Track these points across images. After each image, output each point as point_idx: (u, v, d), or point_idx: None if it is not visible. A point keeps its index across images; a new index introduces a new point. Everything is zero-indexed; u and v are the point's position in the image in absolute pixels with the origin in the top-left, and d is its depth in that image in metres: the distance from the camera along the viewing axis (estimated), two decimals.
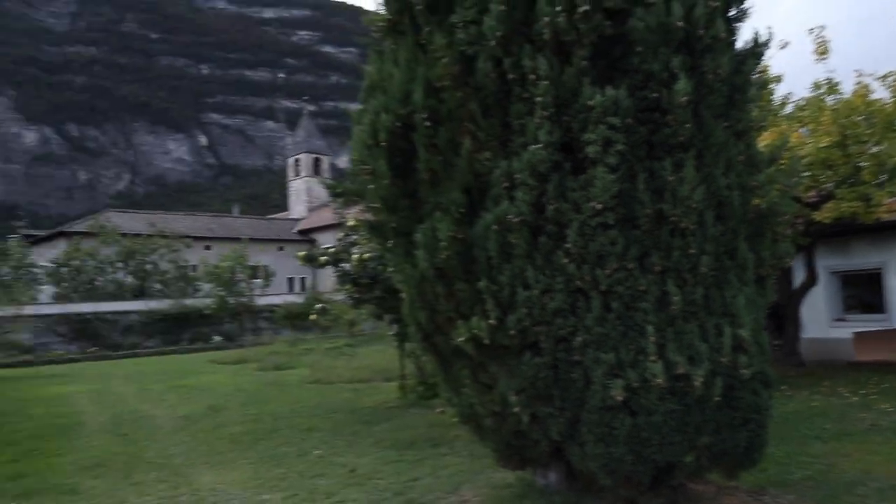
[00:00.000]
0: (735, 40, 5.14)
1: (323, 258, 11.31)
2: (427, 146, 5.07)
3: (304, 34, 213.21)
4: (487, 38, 4.80)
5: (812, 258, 13.84)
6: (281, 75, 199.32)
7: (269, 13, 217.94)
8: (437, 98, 5.08)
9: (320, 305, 15.32)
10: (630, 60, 4.70)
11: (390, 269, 7.19)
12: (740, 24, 5.18)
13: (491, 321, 4.68)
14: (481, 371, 5.13)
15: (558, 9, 4.56)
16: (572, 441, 4.81)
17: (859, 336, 13.66)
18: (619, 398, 4.45)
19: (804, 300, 13.94)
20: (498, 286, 4.71)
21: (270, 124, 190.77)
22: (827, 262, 14.63)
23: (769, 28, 5.65)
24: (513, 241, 4.65)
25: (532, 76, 4.66)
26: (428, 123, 5.03)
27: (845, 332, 14.12)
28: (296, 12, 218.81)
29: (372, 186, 5.41)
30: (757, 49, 5.22)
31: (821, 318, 14.79)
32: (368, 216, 5.84)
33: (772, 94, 12.50)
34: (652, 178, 4.63)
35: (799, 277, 14.04)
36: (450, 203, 4.91)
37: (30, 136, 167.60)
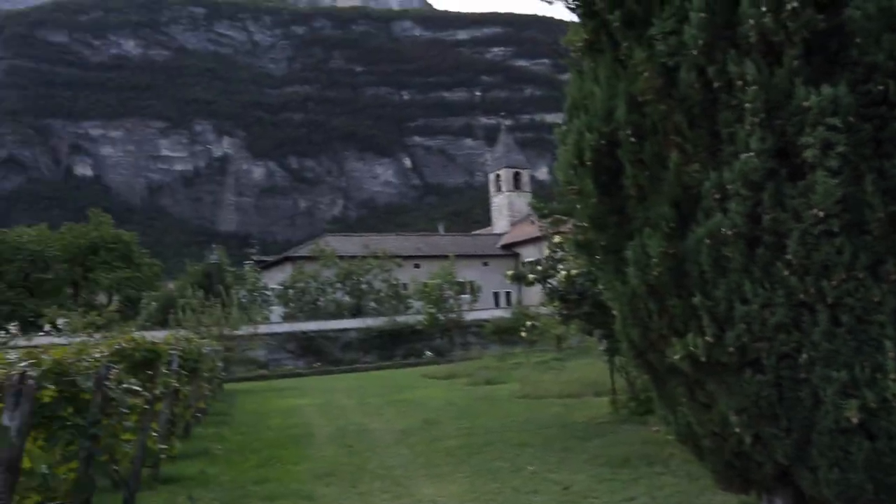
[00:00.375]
0: None
1: (531, 277, 11.45)
2: (633, 162, 5.02)
3: (497, 51, 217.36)
4: (689, 47, 4.68)
5: None
6: (477, 93, 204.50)
7: (462, 34, 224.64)
8: (640, 113, 5.03)
9: (530, 323, 15.46)
10: (849, 53, 4.37)
11: (600, 286, 7.16)
12: None
13: (707, 338, 4.52)
14: (698, 389, 4.96)
15: (764, 9, 4.35)
16: (801, 465, 4.52)
17: None
18: (855, 420, 4.12)
19: None
20: (713, 301, 4.55)
21: (470, 142, 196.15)
22: None
23: None
24: (727, 255, 4.48)
25: (739, 82, 4.47)
26: (632, 139, 4.99)
27: None
28: (487, 30, 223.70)
29: (579, 206, 5.44)
30: None
31: None
32: (576, 234, 5.87)
33: None
34: (882, 179, 4.26)
35: None
36: (659, 218, 4.83)
37: (258, 171, 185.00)
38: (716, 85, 4.63)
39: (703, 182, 4.67)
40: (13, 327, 27.59)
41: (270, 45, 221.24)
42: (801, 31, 4.39)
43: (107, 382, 4.74)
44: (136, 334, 7.44)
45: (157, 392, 6.78)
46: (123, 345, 6.22)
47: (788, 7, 4.33)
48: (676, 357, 4.71)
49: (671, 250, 4.73)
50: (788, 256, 4.31)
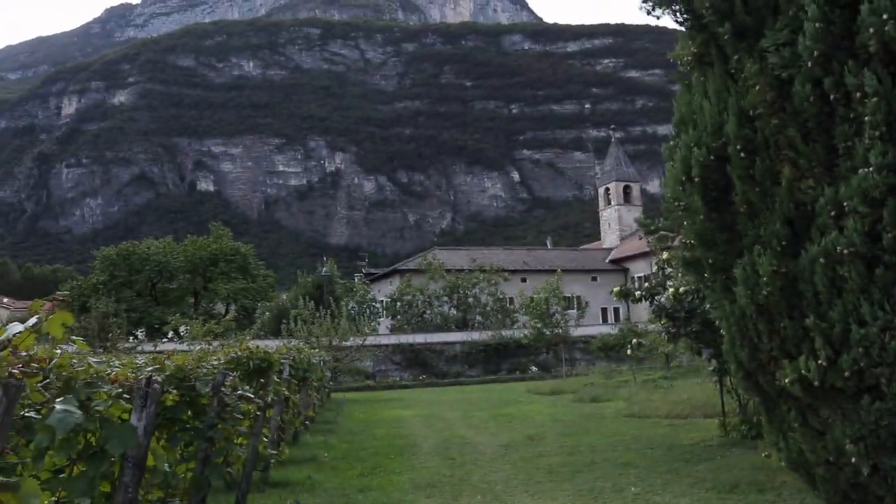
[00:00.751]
0: None
1: (637, 293, 11.23)
2: (743, 178, 4.89)
3: (607, 62, 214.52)
4: (804, 59, 4.53)
5: None
6: (587, 105, 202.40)
7: (572, 46, 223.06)
8: (751, 127, 4.90)
9: (636, 341, 15.13)
10: None
11: (708, 305, 6.97)
12: None
13: (821, 361, 4.33)
14: (811, 414, 4.75)
15: (885, 16, 4.15)
16: None
17: None
18: None
19: None
20: (828, 323, 4.36)
21: (579, 155, 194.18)
22: None
23: None
24: (843, 275, 4.28)
25: (858, 94, 4.29)
26: (743, 154, 4.86)
27: None
28: (598, 42, 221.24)
29: (687, 223, 5.33)
30: None
31: None
32: (683, 252, 5.74)
33: None
34: None
35: None
36: (770, 236, 4.67)
37: (368, 185, 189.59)
38: (832, 97, 4.45)
39: (817, 199, 4.50)
40: (140, 333, 29.32)
41: (382, 62, 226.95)
42: None
43: (223, 389, 5.00)
44: (251, 343, 7.79)
45: (268, 399, 7.08)
46: (239, 353, 6.54)
47: None
48: (787, 380, 4.53)
49: (783, 269, 4.57)
50: None
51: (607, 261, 58.60)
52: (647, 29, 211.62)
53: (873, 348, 4.20)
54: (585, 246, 73.04)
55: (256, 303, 51.52)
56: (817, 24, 4.47)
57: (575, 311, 39.24)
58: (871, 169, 4.19)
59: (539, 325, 33.37)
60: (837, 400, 4.46)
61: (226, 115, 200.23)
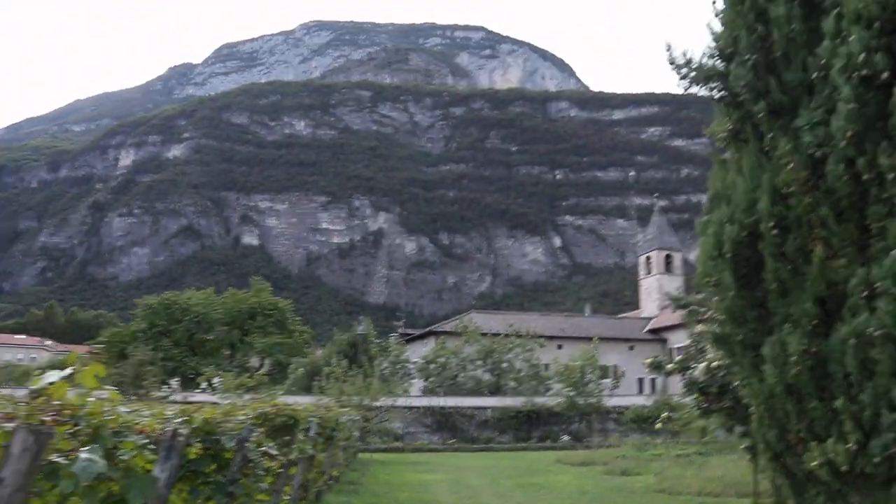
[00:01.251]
0: None
1: (669, 366, 11.08)
2: (775, 255, 4.87)
3: (653, 130, 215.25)
4: (837, 139, 4.55)
5: None
6: (631, 173, 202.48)
7: (618, 114, 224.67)
8: (783, 205, 4.90)
9: (666, 414, 14.84)
10: None
11: (737, 382, 6.86)
12: None
13: (850, 445, 4.23)
14: (840, 500, 4.61)
15: None
16: None
17: None
18: None
19: None
20: (858, 406, 4.27)
21: (622, 222, 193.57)
22: None
23: None
24: (875, 357, 4.21)
25: (891, 175, 4.29)
26: (775, 231, 4.86)
27: None
28: (644, 110, 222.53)
29: (717, 298, 5.31)
30: None
31: None
32: (714, 327, 5.70)
33: None
34: None
35: None
36: (800, 315, 4.63)
37: (409, 246, 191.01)
38: (865, 177, 4.46)
39: (849, 278, 4.46)
40: (175, 382, 29.60)
41: (429, 124, 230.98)
42: None
43: (247, 444, 5.04)
44: (280, 399, 7.84)
45: (292, 457, 7.08)
46: (266, 409, 6.59)
47: None
48: (815, 463, 4.43)
49: (813, 349, 4.51)
50: None
51: (645, 330, 57.79)
52: (693, 98, 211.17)
53: None
54: (624, 314, 72.20)
55: (291, 358, 51.74)
56: (851, 105, 4.51)
57: (610, 380, 38.62)
58: None
59: (572, 394, 32.90)
60: (867, 486, 4.34)
61: (274, 171, 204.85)
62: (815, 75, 4.85)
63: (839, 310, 4.49)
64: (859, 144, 4.48)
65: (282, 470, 6.49)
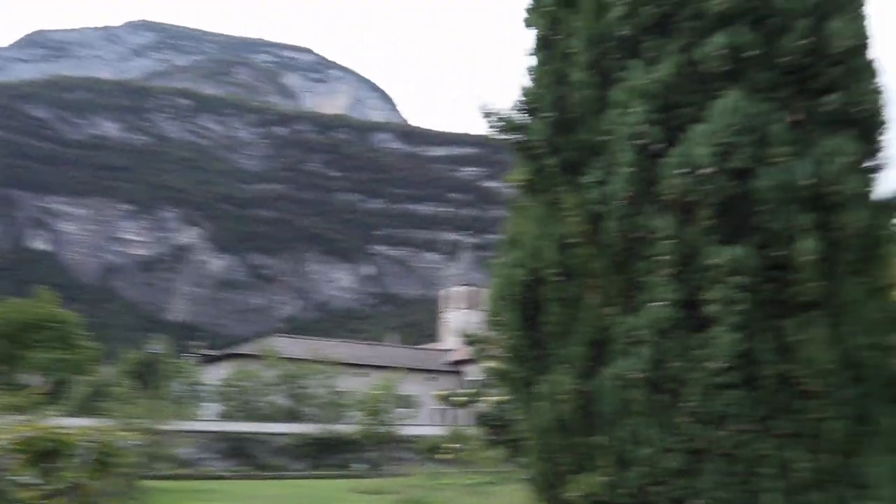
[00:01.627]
0: (869, 193, 5.00)
1: (458, 399, 11.46)
2: (556, 300, 5.25)
3: (468, 170, 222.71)
4: (615, 198, 5.02)
5: None
6: (446, 209, 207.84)
7: (438, 151, 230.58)
8: (567, 254, 5.30)
9: (452, 445, 15.30)
10: (756, 219, 4.72)
11: (517, 417, 7.27)
12: (876, 175, 5.06)
13: (607, 478, 4.63)
14: None
15: (681, 171, 4.72)
16: None
17: None
18: None
19: None
20: (617, 442, 4.68)
21: (432, 256, 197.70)
22: None
23: None
24: (632, 398, 4.65)
25: (656, 235, 4.79)
26: (557, 278, 5.23)
27: None
28: (462, 150, 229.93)
29: (503, 337, 5.62)
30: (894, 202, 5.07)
31: None
32: (498, 365, 6.02)
33: None
34: (777, 338, 4.53)
35: None
36: (573, 356, 5.02)
37: (217, 263, 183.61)
38: (635, 235, 4.95)
39: (617, 325, 4.91)
40: None
41: (250, 141, 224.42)
42: (714, 194, 4.76)
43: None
44: (52, 422, 7.23)
45: (57, 486, 6.53)
46: (29, 433, 6.05)
47: (704, 172, 4.71)
48: (576, 494, 4.79)
49: (582, 388, 4.90)
50: (688, 404, 4.50)
51: (446, 362, 59.26)
52: (507, 143, 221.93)
53: (655, 468, 4.54)
54: (427, 346, 73.62)
55: (74, 376, 47.66)
56: (629, 169, 4.99)
57: (407, 409, 39.08)
58: (662, 303, 4.64)
59: (371, 422, 32.95)
60: None
61: (77, 173, 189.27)
62: (601, 139, 5.32)
63: (606, 353, 4.91)
64: (633, 205, 4.97)
65: (43, 502, 5.98)
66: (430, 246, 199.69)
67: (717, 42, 4.91)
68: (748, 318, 4.50)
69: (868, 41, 5.27)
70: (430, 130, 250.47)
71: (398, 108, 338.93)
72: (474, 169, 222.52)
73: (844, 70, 5.01)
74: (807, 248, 4.44)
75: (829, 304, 4.57)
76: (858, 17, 5.28)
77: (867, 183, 5.01)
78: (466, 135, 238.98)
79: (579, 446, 4.91)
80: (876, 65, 5.27)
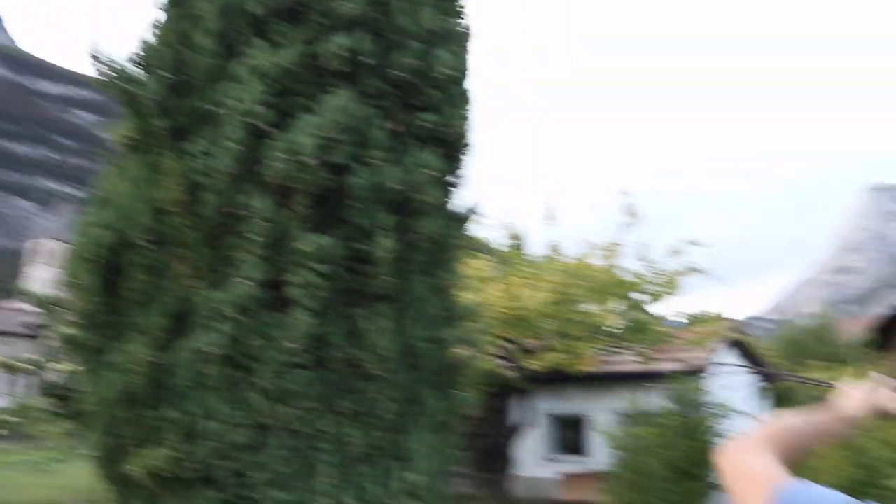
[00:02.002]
0: (447, 204, 5.69)
1: (22, 366, 10.34)
2: (142, 266, 5.02)
3: (85, 115, 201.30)
4: (218, 172, 4.96)
5: (530, 401, 14.91)
6: (53, 155, 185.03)
7: (53, 88, 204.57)
8: (161, 221, 5.10)
9: (11, 418, 13.76)
10: (345, 212, 5.04)
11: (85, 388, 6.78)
12: (455, 189, 5.78)
13: (171, 452, 4.56)
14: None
15: (285, 156, 4.84)
16: None
17: (566, 475, 14.66)
18: None
19: (520, 440, 14.81)
20: (187, 416, 4.65)
21: (24, 203, 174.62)
22: (546, 406, 15.84)
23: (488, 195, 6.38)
24: (207, 372, 4.65)
25: (252, 214, 4.85)
26: (147, 245, 5.01)
27: (554, 471, 15.12)
28: (80, 91, 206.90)
29: (79, 300, 5.21)
30: (465, 215, 5.85)
31: (535, 458, 15.80)
32: (69, 330, 5.55)
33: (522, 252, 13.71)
34: (349, 325, 4.91)
35: (520, 419, 15.03)
36: (152, 326, 4.85)
37: None
38: (231, 212, 4.95)
39: (201, 299, 4.86)
40: None
41: None
42: (312, 184, 4.96)
43: None
44: None
45: None
46: None
47: (305, 160, 4.89)
48: (136, 468, 4.64)
49: (158, 360, 4.76)
50: (259, 381, 4.66)
51: (22, 323, 52.77)
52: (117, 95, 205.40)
53: (223, 442, 4.60)
54: (2, 303, 64.81)
55: None
56: (234, 146, 4.97)
57: None
58: (248, 281, 4.72)
59: None
60: (184, 489, 4.71)
61: None
62: (214, 109, 5.21)
63: (187, 326, 4.84)
64: (234, 182, 4.97)
65: None
66: (24, 192, 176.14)
67: (340, 42, 5.16)
68: (326, 304, 4.80)
69: (467, 73, 6.00)
70: (45, 62, 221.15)
71: (5, 26, 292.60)
72: (91, 115, 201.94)
73: (443, 95, 5.62)
74: (386, 245, 4.88)
75: (398, 299, 5.09)
76: (462, 51, 5.97)
77: (446, 195, 5.71)
78: (89, 76, 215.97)
79: (147, 419, 4.77)
80: (469, 94, 6.03)
